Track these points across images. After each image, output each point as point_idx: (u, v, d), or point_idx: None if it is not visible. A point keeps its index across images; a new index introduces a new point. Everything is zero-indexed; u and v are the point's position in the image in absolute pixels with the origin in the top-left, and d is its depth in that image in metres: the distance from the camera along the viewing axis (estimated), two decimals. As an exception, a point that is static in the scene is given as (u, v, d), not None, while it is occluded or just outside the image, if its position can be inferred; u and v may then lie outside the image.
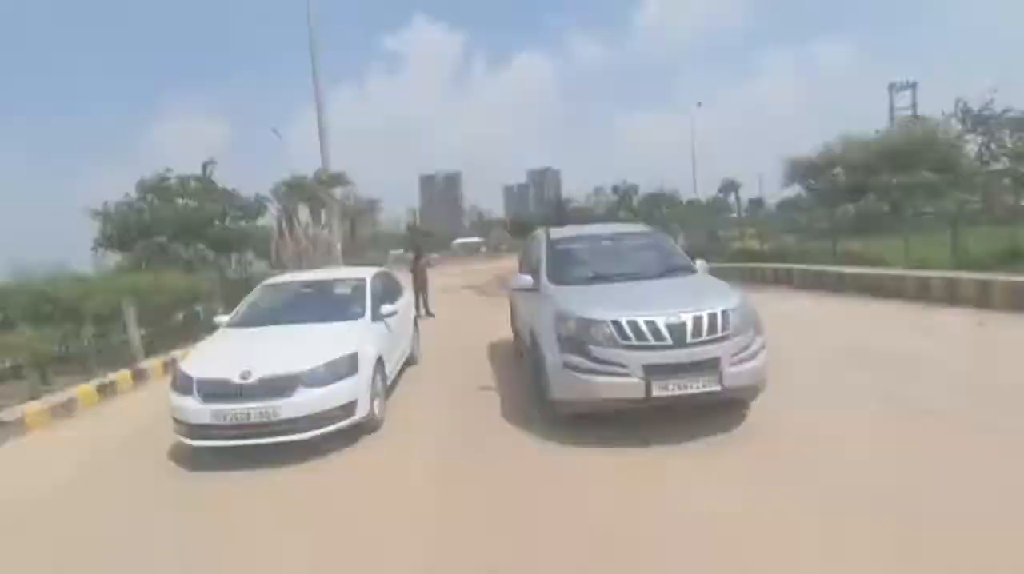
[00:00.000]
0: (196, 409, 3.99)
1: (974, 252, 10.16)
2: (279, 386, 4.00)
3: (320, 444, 4.11)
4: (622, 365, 3.88)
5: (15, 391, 6.08)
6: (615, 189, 49.38)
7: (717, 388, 3.88)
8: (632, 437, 4.02)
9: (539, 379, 4.51)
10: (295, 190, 16.29)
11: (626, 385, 3.86)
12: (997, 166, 27.19)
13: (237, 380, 3.99)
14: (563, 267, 5.23)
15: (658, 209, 61.72)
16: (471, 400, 5.51)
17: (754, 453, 3.71)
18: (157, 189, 11.01)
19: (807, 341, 6.83)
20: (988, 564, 2.37)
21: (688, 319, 3.93)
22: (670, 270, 5.10)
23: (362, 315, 5.19)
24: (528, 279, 5.25)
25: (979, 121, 28.75)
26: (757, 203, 39.26)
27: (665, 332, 3.89)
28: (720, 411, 4.24)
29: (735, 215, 44.21)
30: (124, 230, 10.27)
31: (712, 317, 3.97)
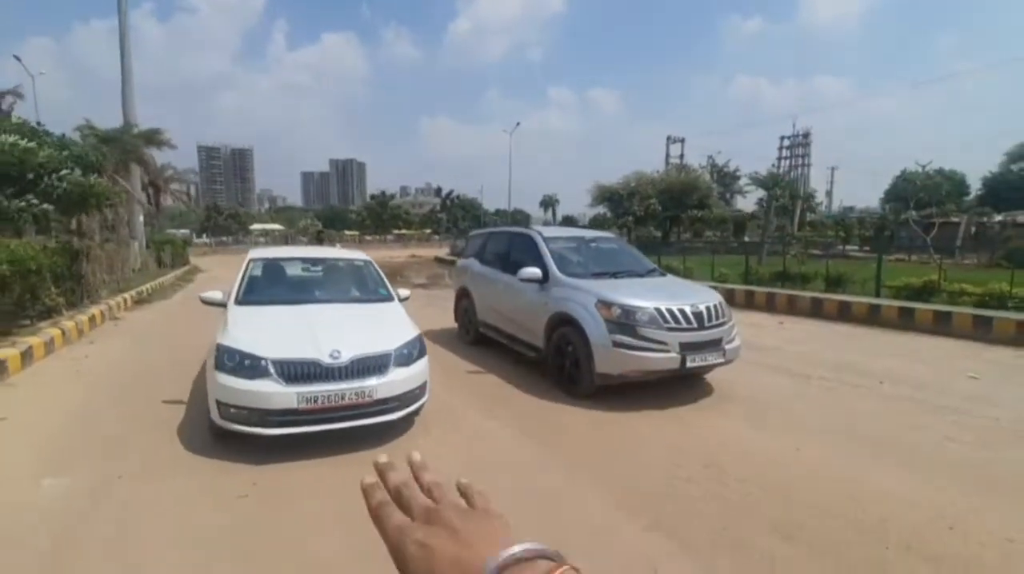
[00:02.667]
0: (278, 393, 3.54)
1: (758, 273, 13.88)
2: (371, 365, 3.83)
3: (382, 431, 4.03)
4: (664, 343, 4.80)
5: None
6: (438, 191, 50.81)
7: (721, 360, 5.09)
8: (650, 404, 4.97)
9: (576, 357, 5.12)
10: (108, 144, 12.92)
11: (668, 359, 4.79)
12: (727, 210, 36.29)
13: (327, 360, 3.69)
14: (568, 263, 5.92)
15: (468, 214, 64.98)
16: (475, 383, 5.77)
17: (731, 401, 5.03)
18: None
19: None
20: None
21: (703, 308, 5.07)
22: (649, 270, 6.23)
23: (389, 297, 5.03)
24: (536, 271, 5.78)
25: (720, 175, 38.26)
26: (569, 219, 44.72)
27: (692, 318, 4.95)
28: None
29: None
30: None
31: (716, 307, 5.18)
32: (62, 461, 3.65)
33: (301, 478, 3.45)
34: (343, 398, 3.67)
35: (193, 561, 2.60)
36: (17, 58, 31.75)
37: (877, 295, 10.93)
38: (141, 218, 19.34)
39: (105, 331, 8.52)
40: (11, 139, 7.46)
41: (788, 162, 48.51)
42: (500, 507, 0.49)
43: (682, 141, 42.84)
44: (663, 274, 6.28)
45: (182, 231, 51.91)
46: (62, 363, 6.34)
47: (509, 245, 6.89)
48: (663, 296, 5.16)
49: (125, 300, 10.77)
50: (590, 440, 4.19)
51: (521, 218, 66.92)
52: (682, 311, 4.94)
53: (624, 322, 4.85)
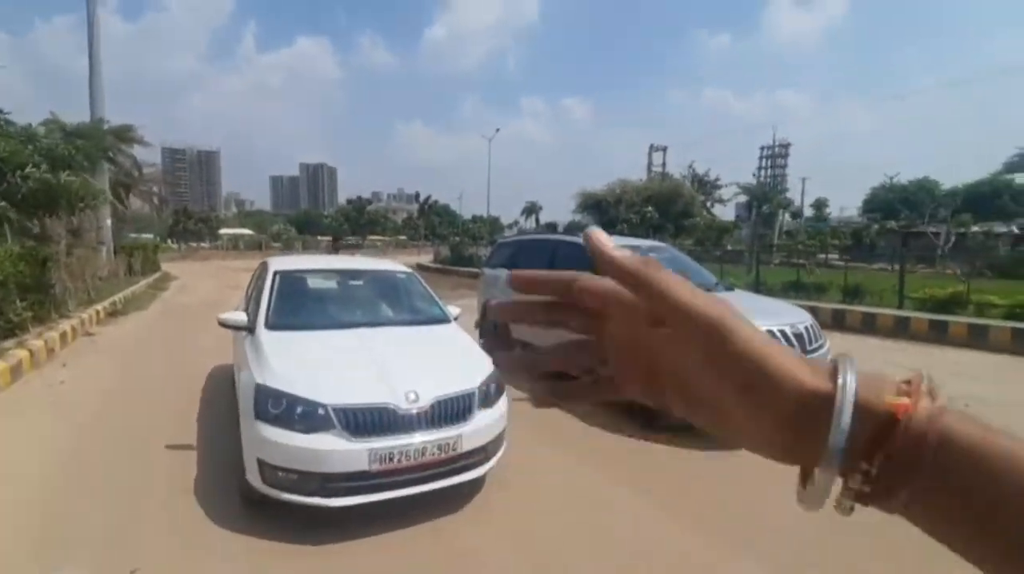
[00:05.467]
0: (344, 451, 2.73)
1: (767, 283, 13.56)
2: (455, 409, 3.06)
3: (453, 490, 3.16)
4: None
5: None
6: (416, 197, 49.91)
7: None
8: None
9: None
10: (81, 138, 11.58)
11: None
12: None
13: (404, 405, 2.90)
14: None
15: (445, 220, 63.98)
16: (527, 412, 5.04)
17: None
18: None
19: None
20: None
21: (802, 329, 4.48)
22: (715, 284, 5.61)
23: (445, 318, 4.25)
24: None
25: (700, 183, 38.51)
26: (551, 226, 44.34)
27: (792, 339, 4.36)
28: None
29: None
30: None
31: (812, 327, 4.62)
32: (62, 541, 2.76)
33: (376, 566, 2.66)
34: (424, 453, 2.89)
35: None
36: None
37: (900, 306, 10.65)
38: (109, 221, 17.89)
39: (79, 349, 7.43)
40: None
41: (767, 171, 49.25)
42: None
43: (664, 149, 42.92)
44: (730, 288, 5.69)
45: (146, 235, 49.40)
46: (33, 392, 5.32)
47: (552, 254, 6.19)
48: (752, 314, 4.53)
49: (98, 312, 9.60)
50: (710, 493, 3.50)
51: (498, 226, 66.31)
52: (782, 332, 4.34)
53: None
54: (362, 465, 2.76)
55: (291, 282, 4.22)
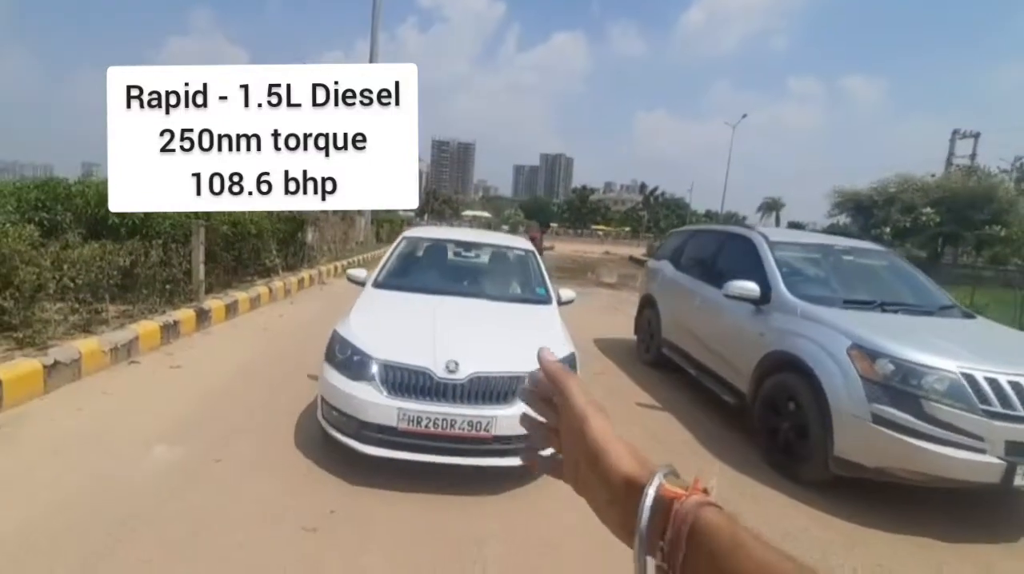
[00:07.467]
0: (378, 404, 2.82)
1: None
2: (495, 389, 2.88)
3: (500, 475, 2.97)
4: (976, 435, 2.83)
5: (57, 317, 4.85)
6: (642, 188, 48.76)
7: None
8: (922, 523, 3.03)
9: (802, 423, 3.43)
10: None
11: (980, 464, 2.82)
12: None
13: (442, 373, 2.84)
14: (804, 282, 4.17)
15: (672, 213, 60.82)
16: (644, 422, 4.44)
17: None
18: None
19: None
20: None
21: (1060, 386, 2.90)
22: (943, 307, 4.05)
23: (547, 299, 4.03)
24: (751, 286, 4.14)
25: (1034, 181, 28.23)
26: (797, 226, 38.66)
27: (1039, 399, 2.86)
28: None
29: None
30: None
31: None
32: (191, 426, 3.53)
33: (383, 516, 2.67)
34: (453, 426, 2.78)
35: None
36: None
37: None
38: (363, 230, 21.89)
39: (309, 293, 9.35)
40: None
41: None
42: None
43: (976, 136, 31.89)
44: (970, 315, 4.03)
45: (408, 211, 59.30)
46: (261, 318, 6.89)
47: (717, 248, 5.30)
48: (975, 352, 3.12)
49: (336, 267, 11.94)
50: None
51: (735, 222, 60.16)
52: (1015, 384, 2.88)
53: (899, 386, 3.01)
54: (391, 421, 2.79)
55: (413, 248, 4.50)
